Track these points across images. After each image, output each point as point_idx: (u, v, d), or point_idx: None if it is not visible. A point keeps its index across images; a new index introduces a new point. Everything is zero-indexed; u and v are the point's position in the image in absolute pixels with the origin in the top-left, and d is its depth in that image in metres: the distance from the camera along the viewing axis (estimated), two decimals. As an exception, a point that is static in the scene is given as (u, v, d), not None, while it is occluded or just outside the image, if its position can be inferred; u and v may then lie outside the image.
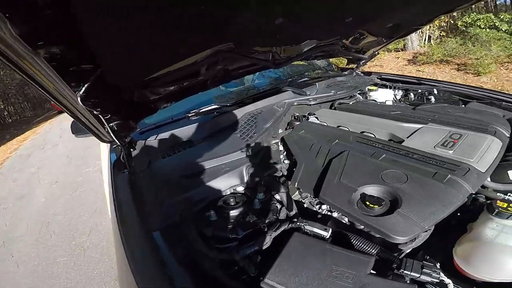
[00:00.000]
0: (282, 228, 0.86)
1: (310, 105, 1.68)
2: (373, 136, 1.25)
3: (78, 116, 0.92)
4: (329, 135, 1.21)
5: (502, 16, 8.57)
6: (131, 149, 1.28)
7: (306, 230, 0.83)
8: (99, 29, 0.70)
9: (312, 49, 1.60)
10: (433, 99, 1.83)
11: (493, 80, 7.31)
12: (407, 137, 1.14)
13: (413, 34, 9.02)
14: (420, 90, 1.96)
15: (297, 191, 1.17)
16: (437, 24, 9.18)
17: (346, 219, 0.96)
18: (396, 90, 2.02)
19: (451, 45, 8.23)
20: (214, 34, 0.98)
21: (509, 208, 0.76)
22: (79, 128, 1.62)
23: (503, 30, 8.29)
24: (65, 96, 0.77)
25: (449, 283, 0.69)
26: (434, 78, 2.35)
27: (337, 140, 1.14)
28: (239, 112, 1.53)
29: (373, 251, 0.77)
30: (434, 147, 1.03)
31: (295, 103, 1.65)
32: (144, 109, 1.22)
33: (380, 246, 0.78)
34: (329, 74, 2.32)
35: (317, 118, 1.52)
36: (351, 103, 1.75)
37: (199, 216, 0.96)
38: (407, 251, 0.85)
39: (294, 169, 1.10)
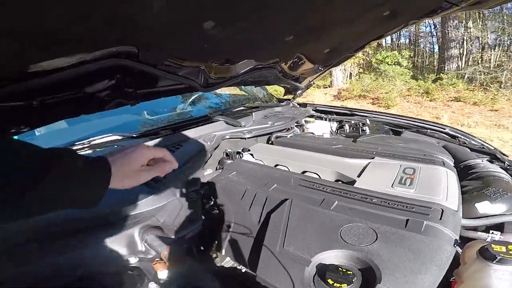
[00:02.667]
0: None
1: (245, 138, 1.43)
2: (317, 176, 1.03)
3: None
4: (266, 177, 0.95)
5: (403, 53, 10.30)
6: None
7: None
8: None
9: (249, 72, 1.40)
10: (367, 130, 1.78)
11: (400, 112, 8.52)
12: (358, 176, 0.94)
13: (338, 72, 10.15)
14: (353, 121, 1.92)
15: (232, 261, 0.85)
16: (357, 62, 10.52)
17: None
18: (331, 122, 1.95)
19: (366, 81, 9.44)
20: (105, 28, 0.63)
21: (510, 252, 0.61)
22: None
23: (404, 66, 9.92)
24: None
25: None
26: (367, 109, 2.38)
27: (275, 185, 0.88)
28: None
29: None
30: (392, 185, 0.85)
31: (227, 136, 1.38)
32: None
33: None
34: (267, 104, 2.16)
35: (252, 155, 1.26)
36: (289, 136, 1.57)
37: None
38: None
39: (224, 221, 0.80)
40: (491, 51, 9.92)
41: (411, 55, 11.07)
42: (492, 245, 0.66)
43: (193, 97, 2.22)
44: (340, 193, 0.81)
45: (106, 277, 0.72)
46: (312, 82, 2.17)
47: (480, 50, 10.20)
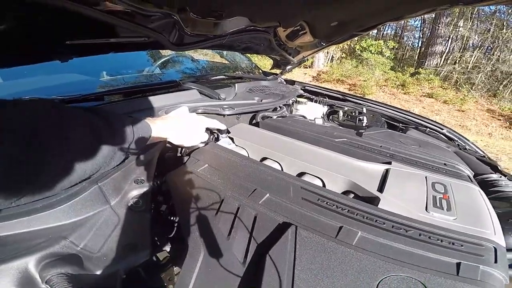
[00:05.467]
0: None
1: (224, 115, 1.11)
2: (321, 183, 0.76)
3: None
4: (253, 179, 0.65)
5: (389, 44, 10.31)
6: None
7: None
8: None
9: (238, 33, 1.08)
10: (365, 120, 1.55)
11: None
12: (378, 189, 0.69)
13: (320, 54, 9.94)
14: (347, 108, 1.68)
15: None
16: (340, 46, 10.42)
17: None
18: (323, 105, 1.69)
19: (347, 66, 9.39)
20: None
21: None
22: None
23: (386, 56, 9.96)
24: None
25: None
26: (357, 95, 2.14)
27: (267, 194, 0.60)
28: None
29: None
30: (427, 209, 0.62)
31: (200, 110, 1.06)
32: None
33: None
34: (252, 76, 1.82)
35: (232, 140, 0.95)
36: (275, 117, 1.28)
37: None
38: None
39: (188, 247, 0.51)
40: (471, 52, 10.16)
41: (395, 47, 11.11)
42: None
43: (162, 59, 1.83)
44: (362, 217, 0.55)
45: None
46: (305, 58, 1.87)
47: (462, 50, 10.41)
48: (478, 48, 10.20)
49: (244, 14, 1.02)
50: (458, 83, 9.50)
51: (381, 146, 0.95)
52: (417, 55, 12.14)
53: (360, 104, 1.75)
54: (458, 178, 0.79)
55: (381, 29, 13.64)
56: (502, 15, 9.79)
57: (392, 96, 9.30)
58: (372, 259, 0.45)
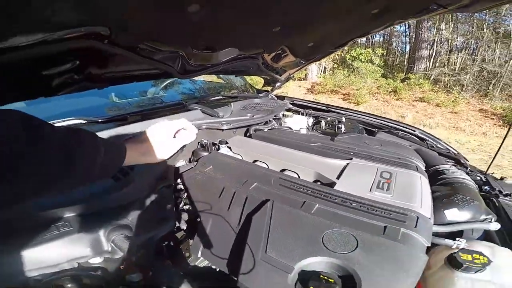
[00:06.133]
0: None
1: (223, 130, 1.37)
2: (297, 175, 1.01)
3: None
4: (245, 174, 0.91)
5: (377, 51, 10.58)
6: None
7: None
8: None
9: (231, 61, 1.34)
10: (343, 128, 1.80)
11: (368, 109, 8.82)
12: (337, 177, 0.94)
13: (313, 66, 10.27)
14: (329, 118, 1.93)
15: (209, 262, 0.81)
16: (332, 57, 10.71)
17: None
18: (308, 117, 1.95)
19: (340, 76, 9.62)
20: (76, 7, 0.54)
21: (476, 261, 0.67)
22: None
23: (376, 63, 10.20)
24: None
25: None
26: (342, 106, 2.40)
27: (255, 183, 0.84)
28: (115, 133, 1.02)
29: None
30: (370, 190, 0.86)
31: (204, 126, 1.31)
32: None
33: None
34: (245, 95, 2.09)
35: (230, 148, 1.21)
36: (266, 130, 1.54)
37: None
38: None
39: (200, 220, 0.75)
40: (457, 54, 10.45)
41: (384, 54, 11.40)
42: (460, 253, 0.69)
43: (166, 82, 2.09)
44: (320, 195, 0.79)
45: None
46: (291, 76, 2.15)
47: (448, 53, 10.70)
48: (464, 50, 10.44)
49: (233, 46, 1.27)
50: (448, 86, 9.72)
51: (348, 147, 1.20)
52: (406, 60, 12.45)
53: (341, 113, 2.01)
54: (406, 168, 1.03)
55: (370, 37, 13.91)
56: (482, 15, 10.03)
57: (386, 103, 9.47)
58: (322, 220, 0.69)
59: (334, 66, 10.88)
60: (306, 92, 9.70)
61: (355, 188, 0.86)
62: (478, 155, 6.01)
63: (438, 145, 1.79)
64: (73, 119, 1.10)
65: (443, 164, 1.29)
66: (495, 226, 0.85)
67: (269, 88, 2.29)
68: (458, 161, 1.51)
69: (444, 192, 1.01)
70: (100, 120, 1.14)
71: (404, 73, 10.89)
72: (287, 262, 0.58)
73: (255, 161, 1.14)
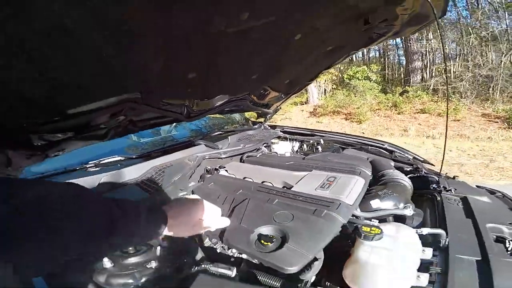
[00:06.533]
0: (187, 271, 0.93)
1: (222, 158, 1.86)
2: (271, 184, 1.47)
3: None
4: (235, 186, 1.38)
5: (372, 67, 10.84)
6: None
7: (211, 271, 0.92)
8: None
9: (224, 104, 1.78)
10: (320, 149, 2.25)
11: (370, 126, 9.01)
12: (296, 183, 1.39)
13: (313, 88, 10.75)
14: (311, 141, 2.39)
15: (207, 238, 1.25)
16: (330, 78, 11.08)
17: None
18: (294, 142, 2.42)
19: (340, 97, 9.90)
20: (120, 81, 0.98)
21: (371, 231, 0.93)
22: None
23: (373, 80, 10.41)
24: None
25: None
26: (325, 130, 2.86)
27: (241, 190, 1.31)
28: (146, 165, 1.49)
29: (278, 284, 0.88)
30: (315, 189, 1.30)
31: (207, 157, 1.81)
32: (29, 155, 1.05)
33: (284, 279, 0.89)
34: (240, 128, 2.61)
35: (227, 171, 1.69)
36: (258, 156, 2.02)
37: (89, 265, 0.91)
38: (311, 280, 0.96)
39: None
40: (451, 62, 10.63)
41: (379, 69, 11.70)
42: (363, 226, 1.04)
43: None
44: (281, 194, 1.25)
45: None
46: (279, 107, 2.65)
47: (442, 61, 10.96)
48: (457, 57, 10.54)
49: (224, 93, 1.70)
50: (446, 94, 9.85)
51: (313, 163, 1.65)
52: (402, 74, 12.70)
53: (321, 136, 2.47)
54: (350, 173, 1.46)
55: (365, 54, 14.18)
56: (467, 21, 10.26)
57: (387, 118, 9.52)
58: (277, 207, 1.14)
59: (333, 87, 11.34)
60: (309, 116, 10.08)
61: (305, 188, 1.31)
62: (478, 160, 6.15)
63: (406, 155, 2.18)
64: (116, 157, 1.59)
65: (388, 169, 1.70)
66: (409, 212, 1.15)
67: (262, 120, 2.80)
68: (416, 167, 1.86)
69: (378, 189, 1.41)
70: (133, 157, 1.65)
71: (402, 87, 11.13)
72: (251, 228, 1.03)
73: (244, 177, 1.60)
